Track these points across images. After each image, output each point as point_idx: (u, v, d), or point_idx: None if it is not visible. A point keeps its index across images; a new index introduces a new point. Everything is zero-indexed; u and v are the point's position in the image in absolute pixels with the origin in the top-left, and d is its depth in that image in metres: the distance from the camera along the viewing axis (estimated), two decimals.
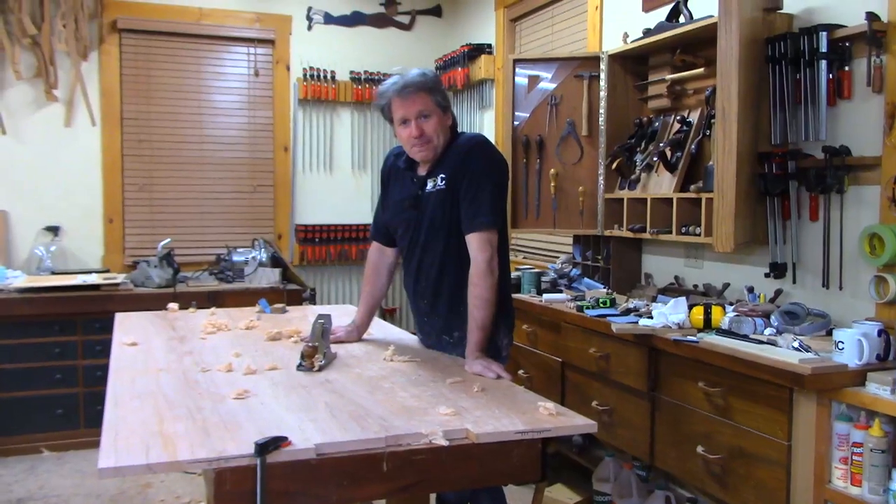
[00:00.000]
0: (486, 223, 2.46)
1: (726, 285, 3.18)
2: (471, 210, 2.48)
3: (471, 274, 2.45)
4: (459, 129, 2.69)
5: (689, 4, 3.35)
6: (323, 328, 2.44)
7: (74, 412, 4.43)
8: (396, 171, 2.73)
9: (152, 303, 4.13)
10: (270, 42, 5.51)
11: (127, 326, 3.04)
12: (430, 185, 2.57)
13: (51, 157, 4.98)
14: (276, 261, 4.94)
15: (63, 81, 4.96)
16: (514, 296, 3.24)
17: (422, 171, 2.62)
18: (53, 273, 4.71)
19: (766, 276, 2.93)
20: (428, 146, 2.54)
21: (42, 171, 4.96)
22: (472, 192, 2.48)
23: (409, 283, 2.73)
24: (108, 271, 4.89)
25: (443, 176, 2.54)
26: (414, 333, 2.92)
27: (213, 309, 3.47)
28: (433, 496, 2.71)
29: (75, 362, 4.42)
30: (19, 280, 4.45)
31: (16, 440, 4.33)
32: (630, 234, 3.53)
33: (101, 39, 5.05)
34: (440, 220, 2.54)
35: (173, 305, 3.48)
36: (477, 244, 2.45)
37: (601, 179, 3.75)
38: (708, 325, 2.71)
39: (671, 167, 3.35)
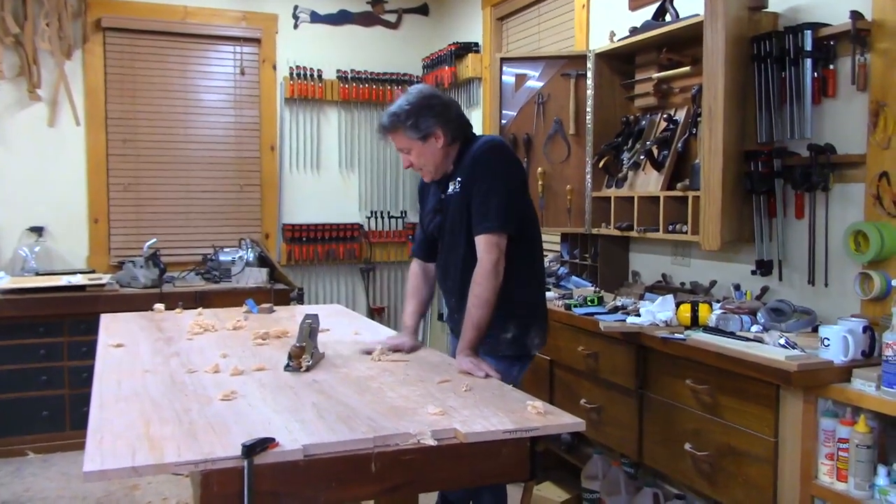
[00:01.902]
0: (493, 226, 2.47)
1: (713, 283, 3.19)
2: (479, 213, 2.50)
3: (475, 273, 2.46)
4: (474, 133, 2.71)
5: (675, 3, 3.36)
6: (310, 328, 2.43)
7: (60, 414, 4.40)
8: (429, 183, 2.77)
9: (138, 303, 4.11)
10: (256, 41, 5.48)
11: (113, 328, 3.02)
12: (451, 188, 2.62)
13: (34, 158, 4.94)
14: (263, 260, 4.93)
15: (46, 81, 4.92)
16: None
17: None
18: (38, 274, 4.67)
19: (753, 273, 2.95)
20: (423, 172, 2.66)
21: (26, 171, 4.92)
22: (481, 195, 2.50)
23: (440, 280, 2.79)
24: (93, 272, 4.85)
25: (459, 179, 2.58)
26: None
27: (199, 309, 3.45)
28: (432, 495, 2.70)
29: (61, 364, 4.39)
30: (3, 281, 4.41)
31: (0, 442, 4.29)
32: (617, 233, 3.53)
33: (85, 38, 5.01)
34: (458, 223, 2.58)
35: (160, 306, 3.46)
36: (484, 246, 2.47)
37: (588, 178, 3.76)
38: (695, 322, 2.72)
39: (658, 165, 3.36)
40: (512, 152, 2.68)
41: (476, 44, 5.23)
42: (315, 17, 5.66)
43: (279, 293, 4.67)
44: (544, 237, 4.49)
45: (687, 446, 2.59)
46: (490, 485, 2.53)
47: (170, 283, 4.71)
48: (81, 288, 4.41)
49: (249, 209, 5.54)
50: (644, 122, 3.57)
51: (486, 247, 2.46)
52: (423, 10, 5.96)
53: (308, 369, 2.31)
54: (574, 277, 3.82)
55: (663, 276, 3.51)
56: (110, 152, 5.14)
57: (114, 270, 4.95)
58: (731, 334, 2.55)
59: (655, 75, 3.44)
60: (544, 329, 2.71)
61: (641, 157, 3.46)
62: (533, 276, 2.67)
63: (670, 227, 3.21)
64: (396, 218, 5.86)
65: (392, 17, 5.89)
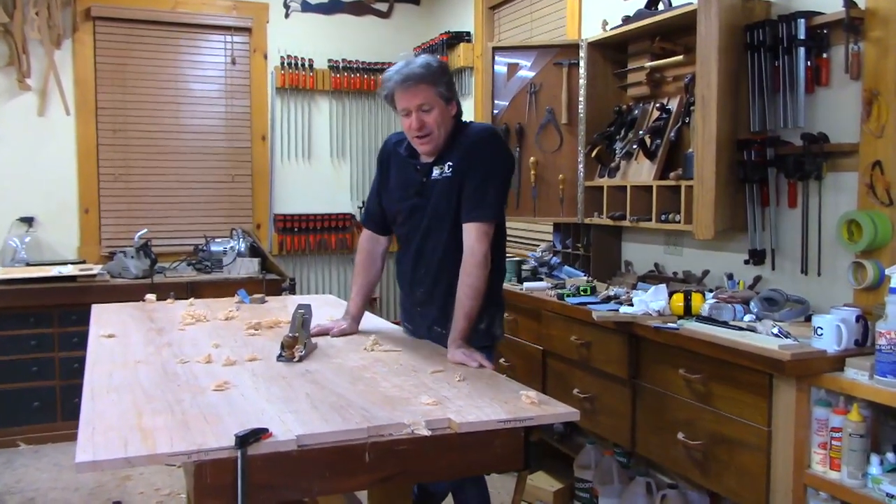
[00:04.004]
0: (487, 215, 2.46)
1: (706, 272, 3.19)
2: (473, 200, 2.47)
3: (465, 263, 2.44)
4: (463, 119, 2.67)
5: None
6: (303, 318, 2.42)
7: (51, 405, 4.38)
8: (397, 158, 2.69)
9: (130, 294, 4.08)
10: (247, 30, 5.45)
11: (104, 318, 3.01)
12: (436, 172, 2.55)
13: (24, 147, 4.90)
14: (254, 251, 4.91)
15: (36, 70, 4.88)
16: None
17: (427, 159, 2.60)
18: (28, 265, 4.65)
19: (746, 262, 2.95)
20: (429, 139, 2.52)
21: (15, 161, 4.88)
22: (475, 183, 2.47)
23: (406, 270, 2.70)
24: (84, 262, 4.83)
25: (450, 164, 2.52)
26: (396, 323, 2.90)
27: (191, 300, 3.43)
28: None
29: (52, 355, 4.37)
30: None
31: None
32: (610, 222, 3.53)
33: (75, 27, 4.97)
34: (445, 209, 2.53)
35: (151, 296, 3.44)
36: (475, 234, 2.44)
37: (581, 167, 3.75)
38: (688, 312, 2.73)
39: (651, 155, 3.36)
40: (506, 142, 2.67)
41: (468, 33, 5.21)
42: (306, 7, 5.62)
43: (271, 283, 4.66)
44: (537, 227, 4.52)
45: (680, 435, 2.59)
46: (472, 476, 2.52)
47: (161, 274, 4.69)
48: (72, 278, 4.39)
49: (241, 199, 5.52)
50: (637, 112, 3.57)
51: (477, 236, 2.44)
52: (414, 0, 5.93)
53: (301, 359, 2.30)
54: (566, 267, 3.82)
55: (656, 265, 3.51)
56: (100, 142, 5.11)
57: (105, 261, 4.93)
58: (724, 324, 2.55)
59: (648, 64, 3.43)
60: (503, 318, 2.72)
61: (634, 146, 3.45)
62: (501, 266, 2.66)
63: (663, 217, 3.21)
64: None
65: (383, 7, 5.86)
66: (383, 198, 2.74)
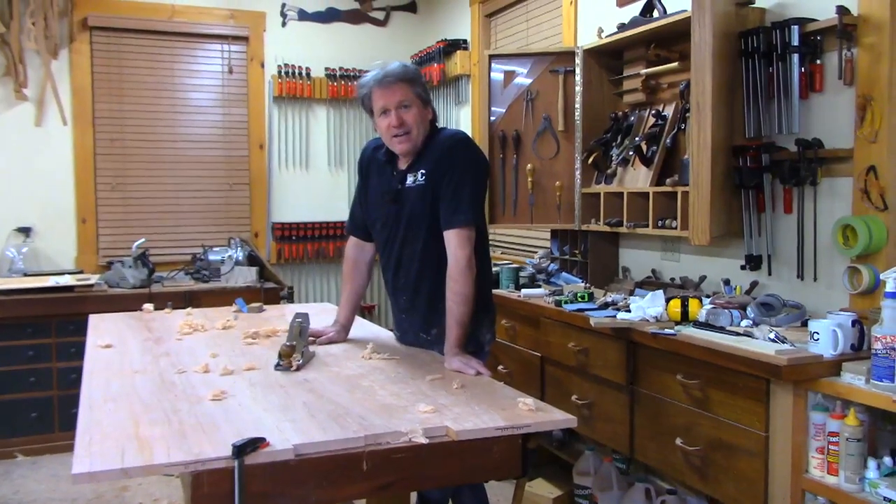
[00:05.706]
0: (466, 220, 2.45)
1: (703, 278, 3.20)
2: (450, 207, 2.46)
3: (450, 270, 2.44)
4: (438, 125, 2.67)
5: None
6: (301, 327, 2.43)
7: (49, 416, 4.37)
8: (376, 164, 2.69)
9: (127, 304, 4.08)
10: (244, 39, 5.46)
11: (101, 328, 3.01)
12: (410, 179, 2.55)
13: (21, 157, 4.91)
14: (252, 259, 4.91)
15: (33, 80, 4.89)
16: (493, 291, 3.24)
17: (402, 165, 2.59)
18: (26, 275, 4.64)
19: (742, 268, 2.95)
20: (407, 137, 2.51)
21: (12, 171, 4.88)
22: (452, 189, 2.46)
23: (388, 278, 2.71)
24: (81, 272, 4.82)
25: (423, 171, 2.52)
26: (392, 330, 2.90)
27: (189, 309, 3.43)
28: (414, 494, 2.70)
29: (49, 365, 4.37)
30: None
31: None
32: (607, 229, 3.54)
33: (72, 37, 4.99)
34: (420, 216, 2.53)
35: (148, 306, 3.44)
36: (456, 241, 2.44)
37: (578, 174, 3.76)
38: (685, 317, 2.72)
39: (647, 161, 3.37)
40: (477, 145, 2.66)
41: (464, 41, 5.22)
42: (303, 15, 5.64)
43: (269, 292, 4.66)
44: (534, 234, 4.53)
45: (678, 441, 2.59)
46: (470, 483, 2.52)
47: (159, 283, 4.69)
48: (70, 288, 4.38)
49: (238, 208, 5.52)
50: (633, 118, 3.58)
51: (458, 241, 2.44)
52: (411, 8, 5.95)
53: (298, 368, 2.30)
54: (564, 273, 3.82)
55: (653, 271, 3.52)
56: (98, 152, 5.12)
57: (102, 270, 4.92)
58: (721, 329, 2.55)
59: (644, 71, 3.44)
60: (494, 322, 2.71)
61: (630, 152, 3.46)
62: (484, 270, 2.63)
63: (659, 223, 3.22)
64: None
65: (380, 15, 5.88)
66: (363, 204, 2.75)
